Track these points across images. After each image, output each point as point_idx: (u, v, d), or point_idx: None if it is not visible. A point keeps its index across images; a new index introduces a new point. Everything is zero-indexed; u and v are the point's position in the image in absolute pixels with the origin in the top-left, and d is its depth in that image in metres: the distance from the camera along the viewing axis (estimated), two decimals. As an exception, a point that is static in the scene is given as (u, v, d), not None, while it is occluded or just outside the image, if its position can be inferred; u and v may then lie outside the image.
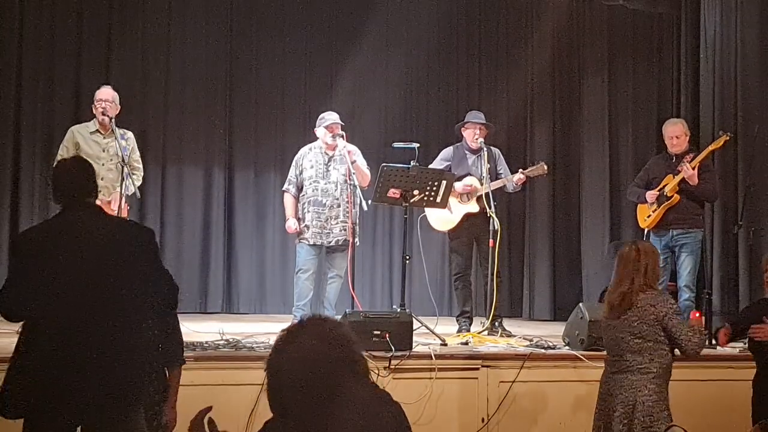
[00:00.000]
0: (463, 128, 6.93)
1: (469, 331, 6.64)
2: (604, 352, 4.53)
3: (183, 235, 8.81)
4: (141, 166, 6.54)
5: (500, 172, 6.84)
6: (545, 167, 6.80)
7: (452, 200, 6.62)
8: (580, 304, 5.99)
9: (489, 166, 6.66)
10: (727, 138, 6.68)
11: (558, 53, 9.58)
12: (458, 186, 6.66)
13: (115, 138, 6.12)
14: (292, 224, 6.65)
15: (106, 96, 6.31)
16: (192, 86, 8.90)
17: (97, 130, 6.25)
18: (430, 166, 6.74)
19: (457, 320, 6.88)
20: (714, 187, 6.80)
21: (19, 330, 3.36)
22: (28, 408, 3.23)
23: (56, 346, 3.22)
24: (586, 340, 5.64)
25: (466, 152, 6.90)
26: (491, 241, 6.48)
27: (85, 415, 3.27)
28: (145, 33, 8.76)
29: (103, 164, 6.11)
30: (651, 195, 6.70)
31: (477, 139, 6.77)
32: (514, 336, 6.45)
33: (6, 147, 8.20)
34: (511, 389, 5.38)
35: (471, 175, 6.81)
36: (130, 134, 6.38)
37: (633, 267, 4.33)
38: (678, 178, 6.57)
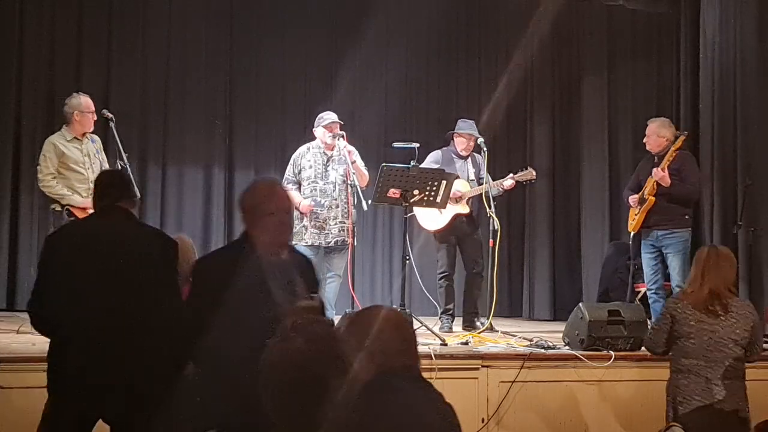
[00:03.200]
0: (455, 135, 7.07)
1: (451, 328, 6.80)
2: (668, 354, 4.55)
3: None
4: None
5: (481, 177, 6.97)
6: (534, 172, 6.96)
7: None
8: (580, 304, 5.99)
9: (474, 170, 6.88)
10: (684, 137, 6.70)
11: (558, 53, 9.58)
12: None
13: (91, 141, 6.36)
14: (306, 203, 6.52)
15: (93, 107, 6.42)
16: (192, 86, 8.89)
17: (74, 137, 6.35)
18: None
19: (440, 318, 6.94)
20: (689, 187, 6.63)
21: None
22: (55, 390, 3.49)
23: (80, 343, 3.42)
24: (586, 340, 5.64)
25: (454, 156, 7.05)
26: (491, 241, 6.59)
27: (107, 411, 3.47)
28: (145, 34, 8.74)
29: (88, 168, 6.27)
30: (633, 199, 6.70)
31: (469, 149, 7.00)
32: (514, 336, 6.46)
33: (6, 147, 8.19)
34: (511, 389, 5.38)
35: (459, 177, 6.89)
36: (97, 137, 6.51)
37: (713, 264, 4.37)
38: (653, 179, 6.55)
